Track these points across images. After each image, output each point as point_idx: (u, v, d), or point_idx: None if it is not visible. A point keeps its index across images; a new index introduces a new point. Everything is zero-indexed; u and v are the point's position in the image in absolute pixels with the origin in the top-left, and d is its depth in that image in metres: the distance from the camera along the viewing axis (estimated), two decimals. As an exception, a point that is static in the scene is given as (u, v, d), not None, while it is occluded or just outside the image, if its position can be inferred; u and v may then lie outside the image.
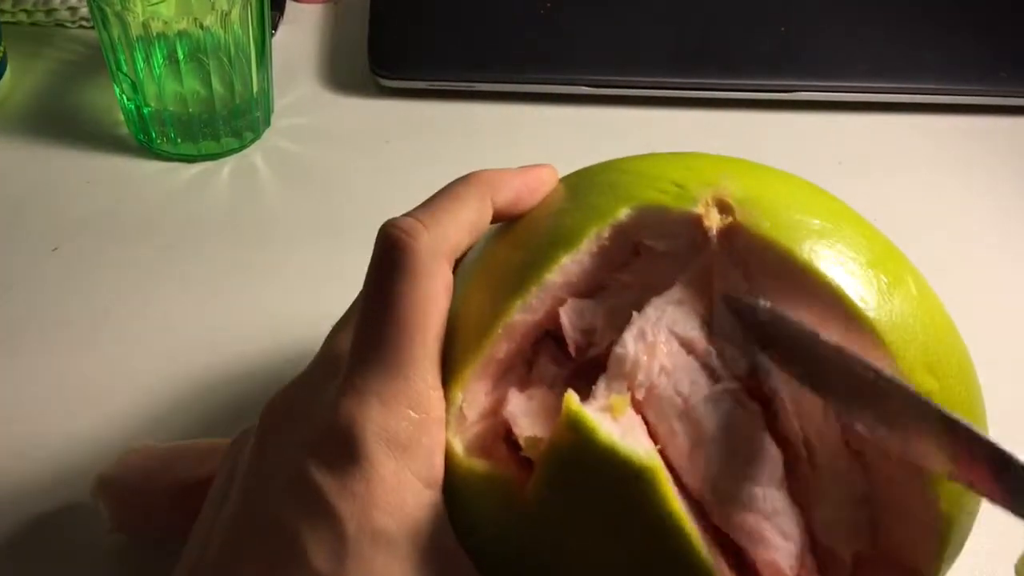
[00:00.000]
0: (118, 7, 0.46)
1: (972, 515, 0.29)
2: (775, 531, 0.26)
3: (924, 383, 0.27)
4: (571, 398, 0.25)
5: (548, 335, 0.29)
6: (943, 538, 0.27)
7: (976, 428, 0.24)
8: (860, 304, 0.27)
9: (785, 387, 0.27)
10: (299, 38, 0.58)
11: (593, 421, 0.25)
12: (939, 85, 0.56)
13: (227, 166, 0.51)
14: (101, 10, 0.46)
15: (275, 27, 0.57)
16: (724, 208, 0.28)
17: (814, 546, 0.27)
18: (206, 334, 0.44)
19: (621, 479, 0.25)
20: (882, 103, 0.56)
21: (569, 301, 0.29)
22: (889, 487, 0.27)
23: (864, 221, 0.31)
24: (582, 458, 0.25)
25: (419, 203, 0.29)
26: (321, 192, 0.50)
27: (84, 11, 0.57)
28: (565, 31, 0.57)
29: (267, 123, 0.53)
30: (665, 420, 0.27)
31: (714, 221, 0.28)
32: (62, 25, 0.57)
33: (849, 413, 0.26)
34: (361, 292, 0.28)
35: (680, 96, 0.56)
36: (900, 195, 0.52)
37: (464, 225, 0.29)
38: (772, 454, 0.27)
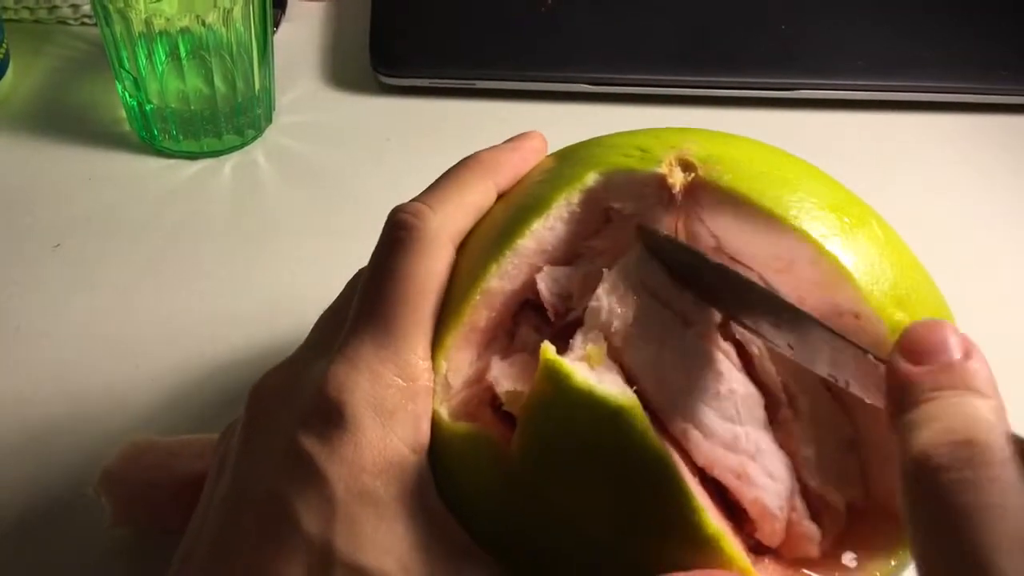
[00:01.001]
0: (121, 4, 0.46)
1: None
2: (760, 470, 0.26)
3: (895, 317, 0.27)
4: (547, 348, 0.26)
5: (529, 306, 0.30)
6: None
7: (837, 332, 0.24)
8: (824, 243, 0.27)
9: (756, 335, 0.28)
10: (301, 35, 0.58)
11: (569, 367, 0.25)
12: (939, 83, 0.56)
13: (229, 163, 0.51)
14: (104, 7, 0.46)
15: (277, 24, 0.57)
16: (687, 167, 0.29)
17: (804, 492, 0.28)
18: (208, 330, 0.44)
19: (600, 420, 0.25)
20: (882, 101, 0.57)
21: (545, 268, 0.29)
22: (873, 429, 0.28)
23: (825, 175, 0.31)
24: (561, 405, 0.25)
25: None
26: (322, 189, 0.50)
27: (86, 8, 0.57)
28: (566, 29, 0.57)
29: (269, 120, 0.53)
30: (641, 366, 0.27)
31: (677, 179, 0.29)
32: (64, 22, 0.57)
33: (770, 335, 0.27)
34: (365, 270, 0.29)
35: (681, 94, 0.56)
36: (900, 192, 0.52)
37: (469, 208, 0.30)
38: (751, 394, 0.27)
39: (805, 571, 0.27)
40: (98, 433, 0.40)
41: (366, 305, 0.28)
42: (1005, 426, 0.21)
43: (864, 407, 0.27)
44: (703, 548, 0.25)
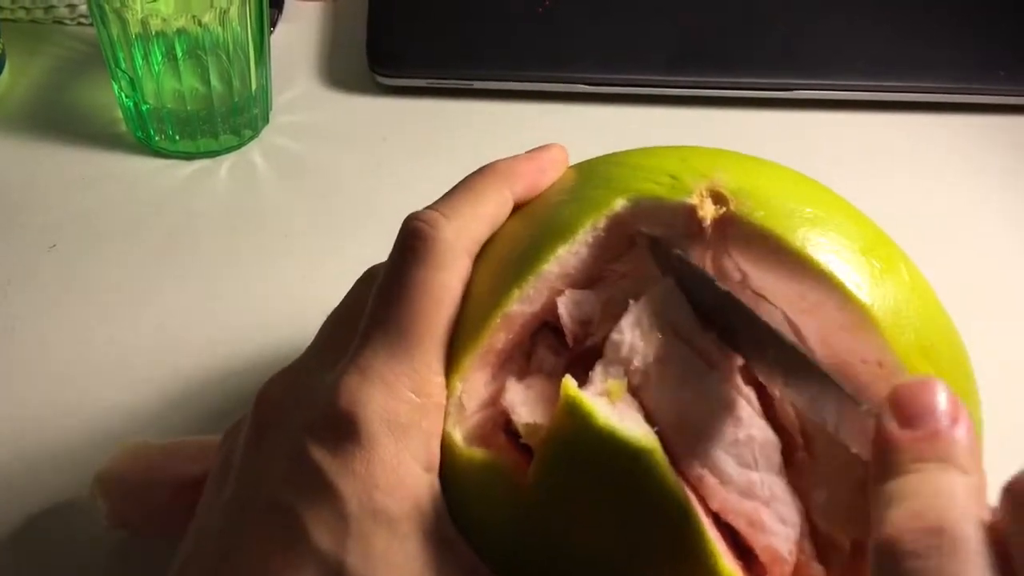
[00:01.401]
0: (117, 4, 0.46)
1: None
2: (773, 516, 0.26)
3: (919, 367, 0.27)
4: (568, 383, 0.25)
5: (546, 326, 0.30)
6: None
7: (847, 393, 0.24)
8: (854, 289, 0.27)
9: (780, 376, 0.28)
10: (298, 36, 0.58)
11: (591, 405, 0.25)
12: (937, 83, 0.56)
13: (225, 163, 0.51)
14: (100, 7, 0.45)
15: (274, 24, 0.57)
16: (718, 198, 0.29)
17: (813, 532, 0.27)
18: (204, 331, 0.44)
19: (620, 461, 0.25)
20: (880, 102, 0.56)
21: (566, 292, 0.29)
22: None
23: (855, 210, 0.31)
24: (581, 442, 0.25)
25: (435, 199, 0.30)
26: (319, 189, 0.50)
27: (83, 8, 0.56)
28: (564, 29, 0.57)
29: (265, 120, 0.53)
30: (661, 406, 0.27)
31: (708, 211, 0.29)
32: (61, 22, 0.57)
33: (786, 390, 0.26)
34: (377, 276, 0.29)
35: (679, 95, 0.56)
36: (897, 193, 0.52)
37: (484, 218, 0.29)
38: (769, 440, 0.27)
39: None
40: (93, 435, 0.40)
41: (380, 315, 0.27)
42: (980, 510, 0.21)
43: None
44: None
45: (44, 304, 0.44)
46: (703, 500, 0.26)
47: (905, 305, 0.28)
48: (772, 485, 0.27)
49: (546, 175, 0.31)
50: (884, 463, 0.22)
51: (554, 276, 0.29)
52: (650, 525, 0.25)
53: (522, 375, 0.29)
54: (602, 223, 0.29)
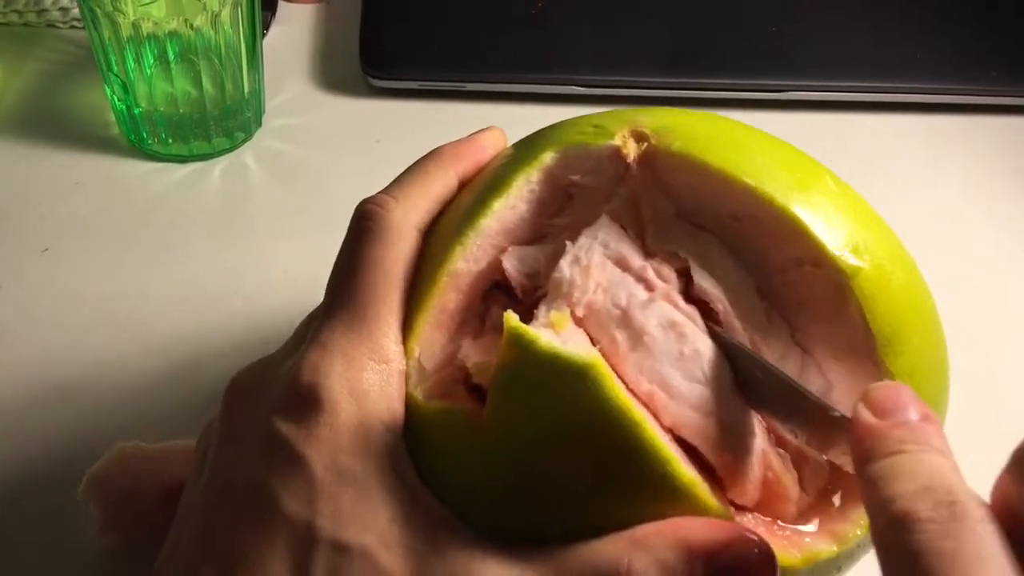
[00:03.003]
0: (108, 8, 0.46)
1: (936, 390, 0.29)
2: (728, 429, 0.27)
3: (852, 263, 0.27)
4: (510, 316, 0.26)
5: (499, 288, 0.30)
6: None
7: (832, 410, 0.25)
8: (780, 197, 0.28)
9: (721, 293, 0.28)
10: (290, 38, 0.58)
11: (533, 333, 0.26)
12: (931, 84, 0.56)
13: (218, 166, 0.51)
14: (91, 11, 0.45)
15: (266, 27, 0.57)
16: (640, 138, 0.30)
17: (785, 447, 0.28)
18: (197, 335, 0.44)
19: (566, 381, 0.25)
20: (873, 103, 0.57)
21: (510, 248, 0.30)
22: (846, 378, 0.28)
23: (776, 139, 0.32)
24: (527, 368, 0.26)
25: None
26: (312, 192, 0.50)
27: (75, 11, 0.56)
28: (557, 31, 0.57)
29: (258, 123, 0.53)
30: (606, 331, 0.27)
31: (631, 149, 0.30)
32: (53, 25, 0.57)
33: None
34: (336, 260, 0.30)
35: (672, 96, 0.56)
36: (892, 193, 0.52)
37: (431, 196, 0.31)
38: (717, 355, 0.27)
39: (781, 523, 0.27)
40: (85, 439, 0.40)
41: (336, 293, 0.29)
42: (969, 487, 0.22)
43: (832, 362, 0.28)
44: (678, 498, 0.25)
45: (36, 308, 0.44)
46: (656, 417, 0.26)
47: (832, 208, 0.28)
48: (723, 398, 0.27)
49: (486, 152, 0.33)
50: (867, 448, 0.23)
51: (494, 231, 0.30)
52: (603, 440, 0.25)
53: (477, 335, 0.29)
54: (535, 176, 0.30)
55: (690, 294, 0.29)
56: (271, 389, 0.28)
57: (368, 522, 0.25)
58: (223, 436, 0.29)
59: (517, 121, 0.55)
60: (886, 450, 0.22)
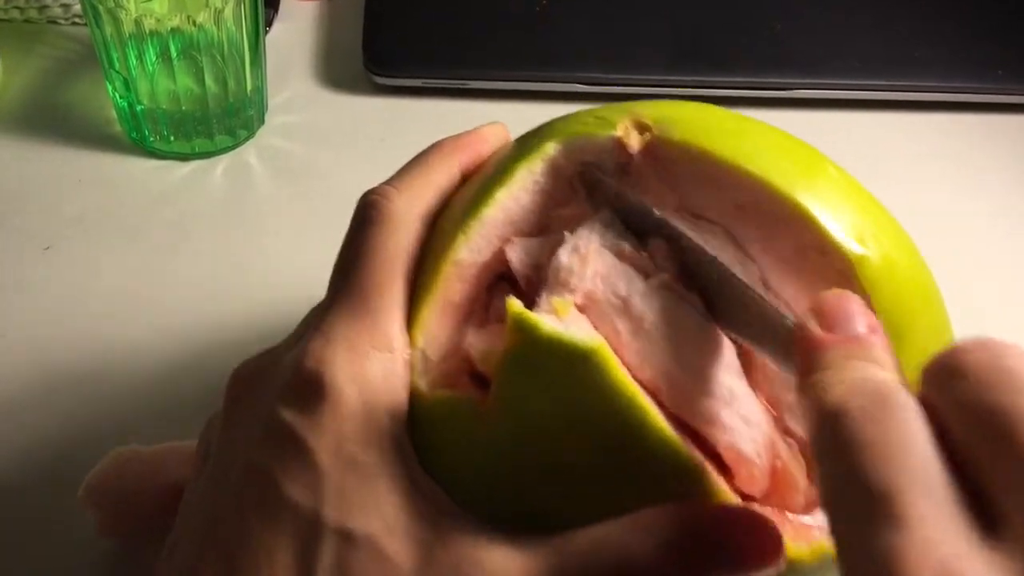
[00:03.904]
0: (111, 4, 0.45)
1: None
2: (734, 415, 0.26)
3: (857, 250, 0.27)
4: (512, 303, 0.26)
5: (503, 281, 0.30)
6: None
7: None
8: (782, 184, 0.28)
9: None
10: (293, 35, 0.58)
11: (536, 318, 0.26)
12: (934, 83, 0.56)
13: (221, 164, 0.51)
14: (93, 7, 0.45)
15: (269, 24, 0.57)
16: (642, 128, 0.30)
17: (792, 436, 0.27)
18: (199, 333, 0.44)
19: (570, 365, 0.25)
20: (876, 101, 0.56)
21: (514, 240, 0.30)
22: None
23: (776, 128, 0.32)
24: (530, 353, 0.26)
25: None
26: (316, 190, 0.50)
27: (77, 8, 0.56)
28: (561, 29, 0.56)
29: (261, 121, 0.53)
30: (607, 320, 0.27)
31: (634, 139, 0.30)
32: (55, 22, 0.57)
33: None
34: (339, 250, 0.30)
35: (675, 94, 0.55)
36: (895, 192, 0.52)
37: (434, 187, 0.31)
38: (720, 341, 0.27)
39: (789, 514, 0.27)
40: (87, 438, 0.39)
41: (340, 282, 0.29)
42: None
43: None
44: (684, 483, 0.25)
45: (38, 306, 0.44)
46: (660, 403, 0.26)
47: (836, 196, 0.28)
48: (731, 385, 0.27)
49: (488, 145, 0.33)
50: (812, 360, 0.23)
51: (498, 222, 0.30)
52: (608, 425, 0.25)
53: (482, 326, 0.30)
54: (538, 167, 0.30)
55: (691, 281, 0.29)
56: (274, 378, 0.28)
57: (373, 510, 0.25)
58: (226, 426, 0.29)
59: (520, 119, 0.55)
60: (830, 362, 0.22)
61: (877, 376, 0.22)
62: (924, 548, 0.17)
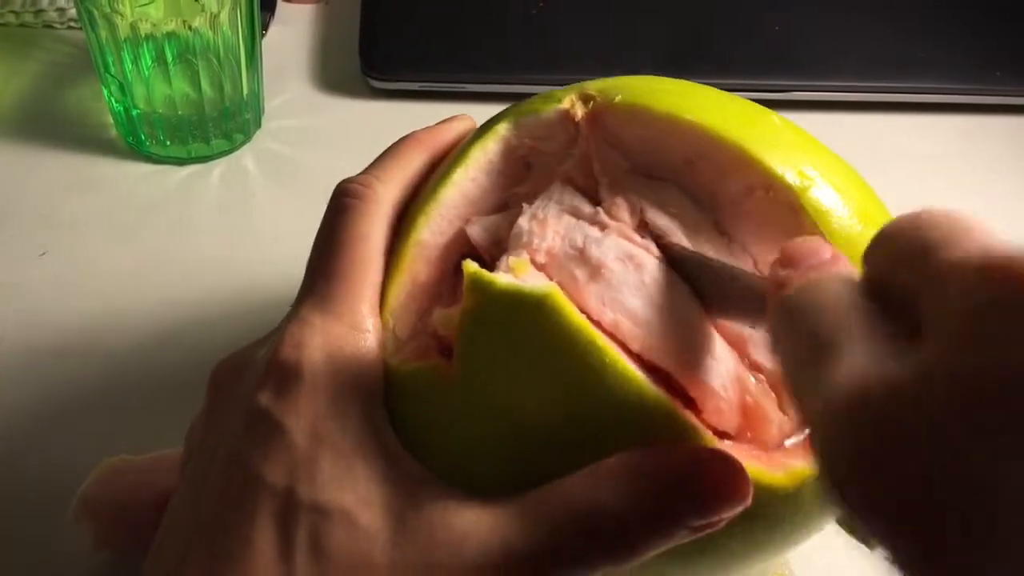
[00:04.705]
0: (106, 9, 0.45)
1: None
2: (698, 350, 0.27)
3: (803, 183, 0.28)
4: (468, 264, 0.27)
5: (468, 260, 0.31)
6: None
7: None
8: (726, 131, 0.29)
9: (677, 229, 0.29)
10: (290, 39, 0.58)
11: (491, 276, 0.26)
12: (933, 85, 0.56)
13: (217, 168, 0.51)
14: (89, 12, 0.45)
15: (265, 28, 0.57)
16: (587, 99, 0.31)
17: (761, 371, 0.28)
18: (195, 338, 0.43)
19: (525, 314, 0.26)
20: (876, 103, 0.56)
21: (474, 218, 0.31)
22: None
23: (720, 91, 0.32)
24: (489, 310, 0.26)
25: None
26: (312, 194, 0.50)
27: (72, 12, 0.56)
28: (558, 31, 0.56)
29: (258, 125, 0.52)
30: (565, 271, 0.28)
31: (579, 109, 0.31)
32: (50, 26, 0.57)
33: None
34: (315, 238, 0.31)
35: (674, 96, 0.55)
36: (895, 194, 0.52)
37: (405, 176, 0.32)
38: (678, 282, 0.28)
39: (760, 448, 0.27)
40: (85, 446, 0.39)
41: (315, 268, 0.30)
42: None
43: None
44: (652, 422, 0.25)
45: (34, 311, 0.44)
46: (624, 345, 0.26)
47: (777, 137, 0.30)
48: (690, 320, 0.27)
49: (456, 135, 0.34)
50: (778, 295, 0.23)
51: (457, 203, 0.31)
52: (569, 369, 0.25)
53: (448, 305, 0.30)
54: (491, 147, 0.31)
55: (644, 229, 0.29)
56: (252, 370, 0.28)
57: (347, 483, 0.26)
58: (207, 420, 0.29)
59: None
60: (792, 284, 0.23)
61: (829, 272, 0.23)
62: (850, 368, 0.19)
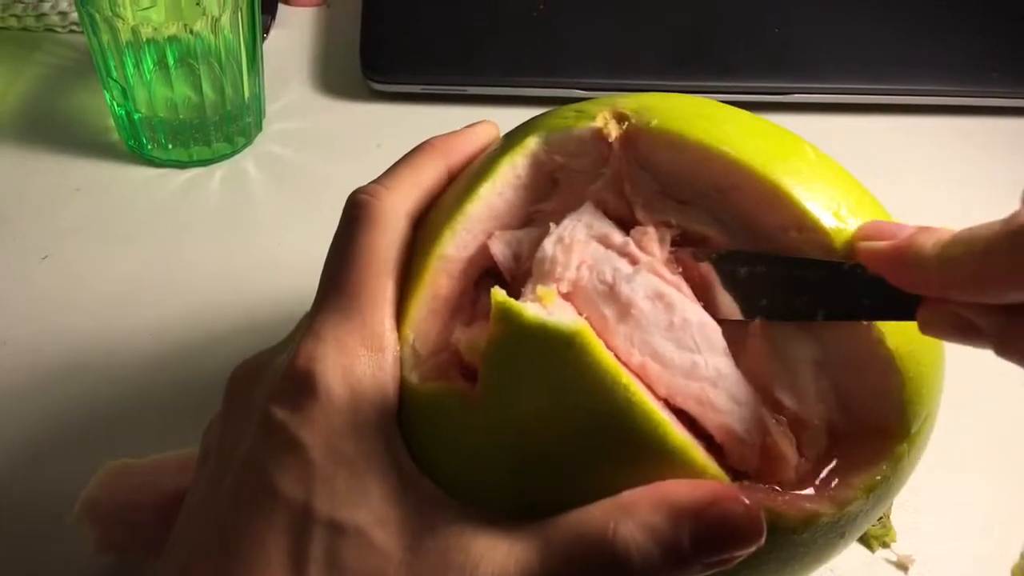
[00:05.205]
0: (108, 13, 0.45)
1: (926, 346, 0.29)
2: (723, 395, 0.27)
3: (834, 226, 0.28)
4: (497, 292, 0.26)
5: (491, 276, 0.31)
6: (901, 374, 0.27)
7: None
8: (760, 166, 0.28)
9: (710, 265, 0.29)
10: (291, 42, 0.58)
11: (519, 306, 0.26)
12: (932, 86, 0.56)
13: (219, 172, 0.51)
14: (90, 16, 0.45)
15: (266, 31, 0.57)
16: (621, 118, 0.30)
17: (783, 414, 0.28)
18: (198, 343, 0.43)
19: (554, 350, 0.26)
20: (875, 104, 0.56)
21: (496, 232, 0.30)
22: (836, 344, 0.28)
23: (754, 115, 0.32)
24: (516, 341, 0.26)
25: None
26: (313, 197, 0.50)
27: (74, 16, 0.56)
28: (559, 33, 0.56)
29: (259, 128, 0.53)
30: (593, 307, 0.28)
31: (613, 129, 0.30)
32: (52, 30, 0.57)
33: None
34: (329, 249, 0.31)
35: (674, 98, 0.55)
36: (893, 195, 0.52)
37: (422, 186, 0.32)
38: (706, 322, 0.28)
39: (778, 488, 0.27)
40: (83, 448, 0.39)
41: (329, 281, 0.29)
42: None
43: (824, 324, 0.28)
44: (672, 463, 0.25)
45: (36, 315, 0.44)
46: (650, 387, 0.27)
47: (814, 175, 0.29)
48: (718, 365, 0.27)
49: (477, 144, 0.33)
50: (908, 258, 0.25)
51: (483, 217, 0.30)
52: (594, 407, 0.25)
53: (470, 322, 0.30)
54: (520, 161, 0.31)
55: (674, 265, 0.29)
56: (268, 378, 0.28)
57: (362, 502, 0.26)
58: (224, 426, 0.29)
59: (518, 124, 0.55)
60: (927, 240, 0.24)
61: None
62: None
